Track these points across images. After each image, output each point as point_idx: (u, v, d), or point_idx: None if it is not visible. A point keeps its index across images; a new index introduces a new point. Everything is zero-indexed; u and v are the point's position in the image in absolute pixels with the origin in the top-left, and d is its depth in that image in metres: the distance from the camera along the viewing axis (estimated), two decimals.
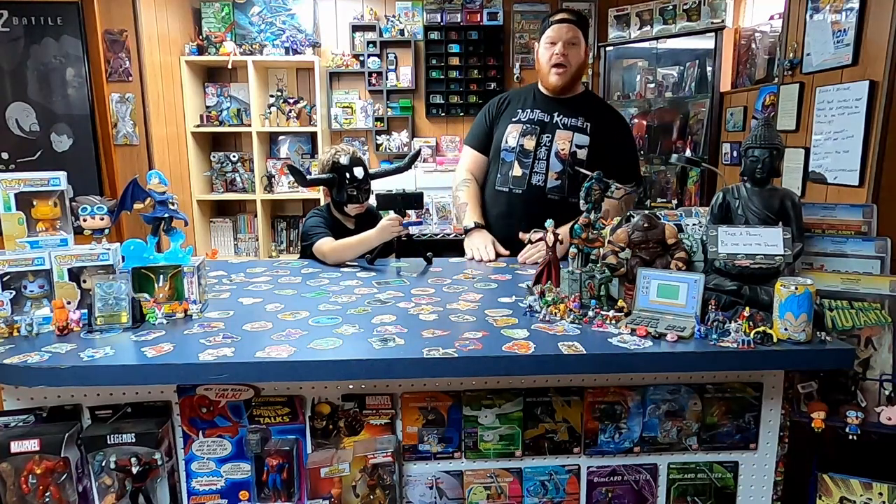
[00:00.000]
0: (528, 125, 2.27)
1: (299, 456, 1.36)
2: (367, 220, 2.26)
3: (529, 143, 2.24)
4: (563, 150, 2.20)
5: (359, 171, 2.15)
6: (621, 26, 4.34)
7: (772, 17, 3.53)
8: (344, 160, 2.15)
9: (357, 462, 1.31)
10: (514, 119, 2.31)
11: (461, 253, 2.29)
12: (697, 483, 1.44)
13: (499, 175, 2.31)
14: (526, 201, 2.23)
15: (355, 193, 2.15)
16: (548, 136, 2.23)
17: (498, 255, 2.18)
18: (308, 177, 2.11)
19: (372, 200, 2.28)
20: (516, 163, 2.26)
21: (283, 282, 1.85)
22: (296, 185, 4.51)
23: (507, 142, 2.29)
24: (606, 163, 1.99)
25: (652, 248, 1.45)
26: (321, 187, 2.29)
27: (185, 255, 1.50)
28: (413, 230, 3.90)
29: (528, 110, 2.30)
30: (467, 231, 2.29)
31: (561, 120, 2.25)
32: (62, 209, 1.48)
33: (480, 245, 2.20)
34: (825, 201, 2.29)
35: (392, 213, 2.05)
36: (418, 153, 2.34)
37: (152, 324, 1.42)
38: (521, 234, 1.76)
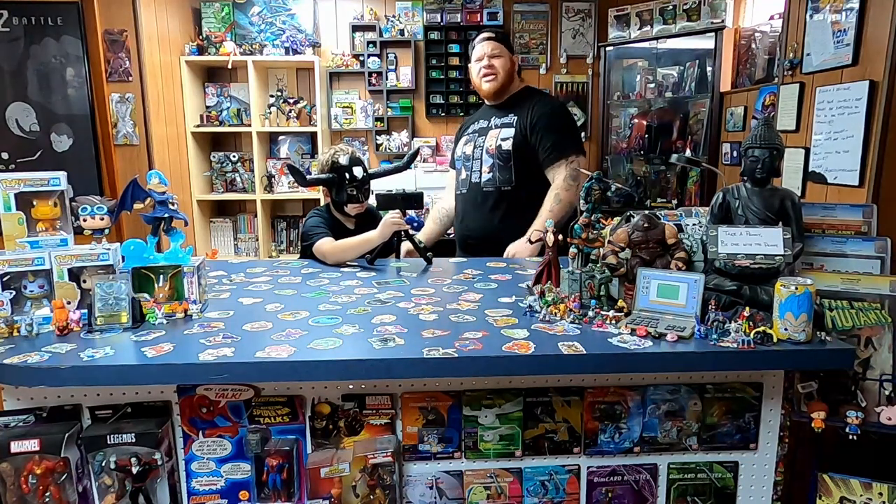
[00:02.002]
0: (472, 135, 2.56)
1: (299, 456, 1.36)
2: (367, 219, 2.26)
3: (469, 149, 2.53)
4: (490, 145, 2.45)
5: (358, 171, 2.15)
6: (621, 26, 4.35)
7: (772, 17, 3.53)
8: (343, 160, 2.15)
9: (357, 462, 1.31)
10: (464, 133, 2.63)
11: (461, 253, 2.45)
12: (697, 483, 1.44)
13: (457, 183, 2.60)
14: (470, 198, 2.49)
15: (355, 193, 2.16)
16: (482, 138, 2.50)
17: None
18: (308, 177, 2.11)
19: (372, 200, 2.29)
20: (462, 168, 2.55)
21: (283, 282, 1.85)
22: (296, 185, 4.51)
23: (457, 153, 2.62)
24: (533, 143, 2.36)
25: (652, 248, 1.45)
26: (321, 187, 2.30)
27: (185, 255, 1.50)
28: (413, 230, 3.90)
29: (475, 123, 2.60)
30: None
31: (494, 122, 2.51)
32: (62, 209, 1.48)
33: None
34: (825, 201, 2.29)
35: (392, 211, 2.06)
36: (417, 152, 2.40)
37: (152, 324, 1.42)
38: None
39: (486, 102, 2.61)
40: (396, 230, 2.07)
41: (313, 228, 2.16)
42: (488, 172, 2.42)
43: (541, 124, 2.38)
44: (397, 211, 2.07)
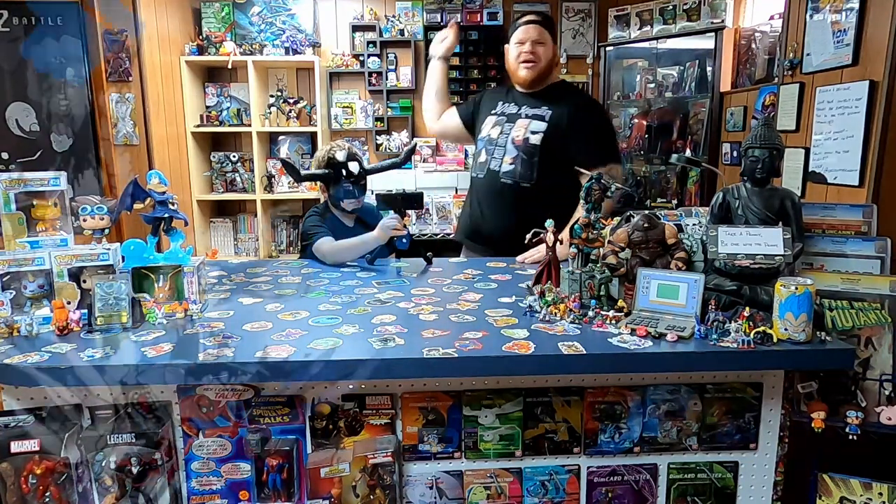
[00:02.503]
0: (500, 116, 2.41)
1: (299, 456, 1.36)
2: (366, 216, 2.27)
3: (495, 132, 2.38)
4: (517, 136, 2.30)
5: (354, 167, 2.17)
6: (621, 26, 4.34)
7: (772, 17, 3.53)
8: (340, 156, 2.17)
9: (357, 462, 1.31)
10: (492, 111, 2.45)
11: (468, 242, 2.43)
12: (697, 483, 1.44)
13: (475, 163, 2.47)
14: (485, 185, 2.36)
15: (351, 189, 2.17)
16: (510, 125, 2.35)
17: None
18: (303, 172, 2.14)
19: (372, 199, 2.29)
20: (483, 150, 2.40)
21: (283, 282, 1.85)
22: (296, 185, 4.51)
23: (481, 132, 2.45)
24: (565, 146, 2.20)
25: (652, 248, 1.45)
26: (318, 184, 2.30)
27: (185, 255, 1.50)
28: (413, 230, 3.91)
29: (503, 103, 2.44)
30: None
31: (525, 111, 2.36)
32: (62, 209, 1.48)
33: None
34: (825, 201, 2.29)
35: (392, 213, 2.05)
36: (413, 148, 2.40)
37: (152, 324, 1.42)
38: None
39: (519, 88, 2.43)
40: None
41: (312, 228, 2.16)
42: (510, 164, 2.28)
43: (581, 125, 2.26)
44: (397, 216, 2.04)
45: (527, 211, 2.03)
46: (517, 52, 2.32)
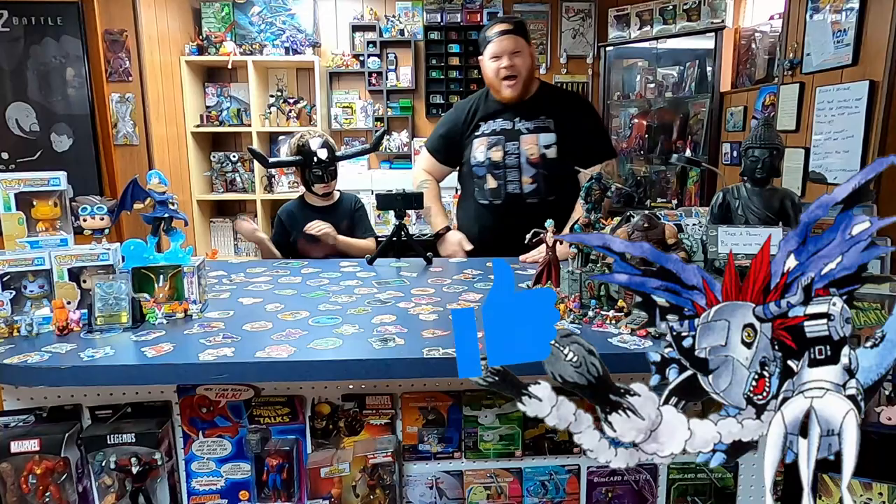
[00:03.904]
0: (493, 137, 2.29)
1: (299, 456, 1.36)
2: (337, 205, 2.43)
3: (497, 155, 2.27)
4: (532, 155, 2.23)
5: (323, 152, 2.27)
6: (621, 26, 4.35)
7: (772, 17, 3.53)
8: (312, 143, 2.28)
9: (357, 462, 1.31)
10: (477, 134, 2.33)
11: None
12: (697, 483, 1.44)
13: (476, 189, 2.34)
14: (507, 211, 2.27)
15: (320, 174, 2.29)
16: (513, 144, 2.25)
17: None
18: (270, 159, 2.35)
19: (370, 199, 2.31)
20: (489, 176, 2.29)
21: (283, 282, 1.85)
22: (296, 185, 4.51)
23: (475, 158, 2.32)
24: (579, 150, 2.17)
25: None
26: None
27: (185, 255, 1.50)
28: (413, 230, 3.91)
29: (491, 121, 2.31)
30: (439, 235, 2.36)
31: (523, 125, 2.26)
32: (62, 209, 1.48)
33: (457, 248, 2.32)
34: None
35: (243, 216, 2.23)
36: (384, 133, 2.46)
37: (152, 324, 1.42)
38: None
39: (499, 99, 2.32)
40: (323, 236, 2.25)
41: (275, 226, 2.46)
42: (531, 183, 2.23)
43: (581, 125, 2.25)
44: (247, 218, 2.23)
45: (555, 219, 1.93)
46: (495, 67, 2.22)
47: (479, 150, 2.30)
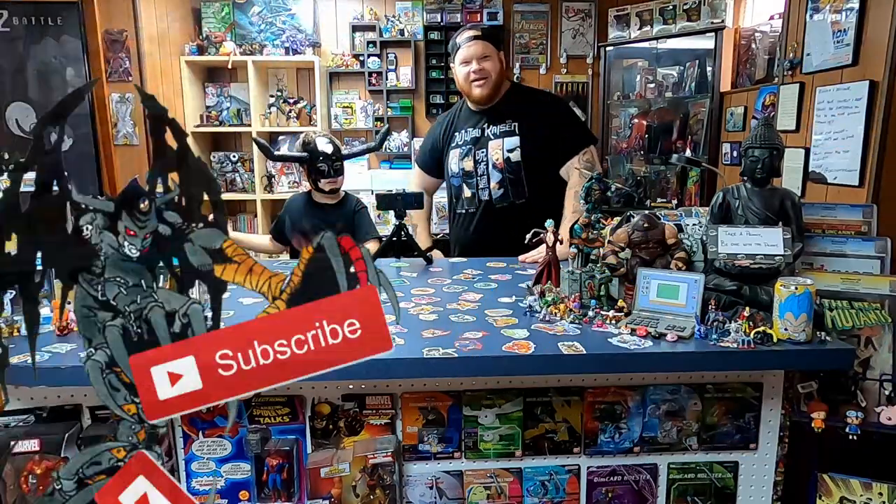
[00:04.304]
0: (464, 147, 2.36)
1: (299, 456, 1.36)
2: (342, 205, 2.45)
3: (468, 164, 2.34)
4: (497, 160, 2.28)
5: (328, 147, 2.30)
6: (621, 26, 4.35)
7: (772, 17, 3.53)
8: (318, 141, 2.32)
9: (357, 462, 1.31)
10: (452, 145, 2.41)
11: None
12: (697, 483, 1.44)
13: (455, 199, 2.44)
14: (483, 218, 2.34)
15: (325, 169, 2.31)
16: (482, 151, 2.31)
17: None
18: (276, 152, 2.34)
19: (371, 199, 2.31)
20: (464, 185, 2.37)
21: None
22: (296, 184, 4.52)
23: (451, 169, 2.41)
24: (549, 147, 2.23)
25: (652, 248, 1.45)
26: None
27: None
28: (413, 230, 3.90)
29: (463, 131, 2.38)
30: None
31: (491, 131, 2.31)
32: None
33: None
34: (825, 201, 2.29)
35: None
36: (388, 132, 2.47)
37: None
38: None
39: (471, 106, 2.38)
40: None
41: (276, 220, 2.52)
42: (499, 189, 2.28)
43: (549, 122, 2.26)
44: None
45: (528, 221, 1.91)
46: (465, 72, 2.27)
47: (454, 161, 2.39)
